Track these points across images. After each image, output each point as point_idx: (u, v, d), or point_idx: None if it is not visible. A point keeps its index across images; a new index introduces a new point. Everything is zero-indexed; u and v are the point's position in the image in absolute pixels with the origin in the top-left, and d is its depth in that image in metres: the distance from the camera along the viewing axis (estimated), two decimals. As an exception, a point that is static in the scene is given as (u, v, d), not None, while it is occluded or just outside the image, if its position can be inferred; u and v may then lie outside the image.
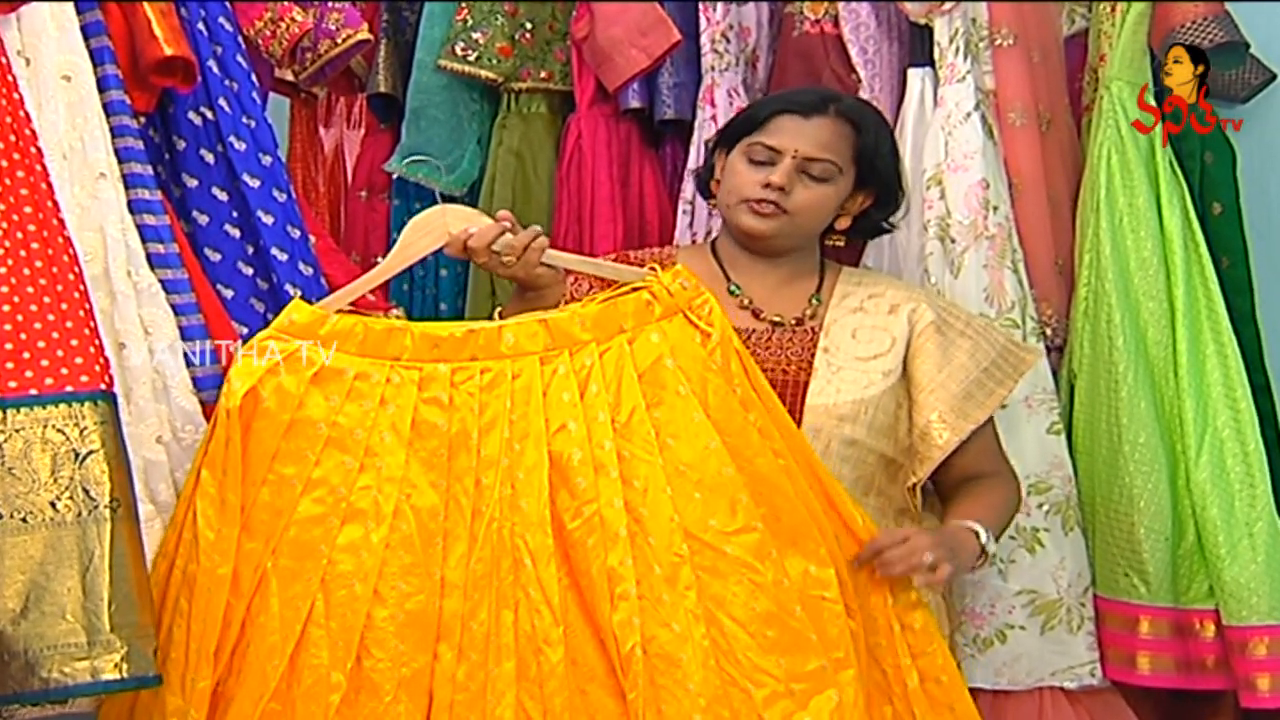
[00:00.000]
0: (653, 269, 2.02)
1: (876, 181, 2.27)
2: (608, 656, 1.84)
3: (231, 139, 2.16)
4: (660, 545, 1.86)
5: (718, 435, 1.91)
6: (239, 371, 1.91)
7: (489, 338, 1.95)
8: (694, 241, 2.57)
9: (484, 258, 2.03)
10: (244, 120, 2.18)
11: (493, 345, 1.94)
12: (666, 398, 1.93)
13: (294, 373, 1.92)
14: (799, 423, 2.13)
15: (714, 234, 2.45)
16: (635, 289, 1.99)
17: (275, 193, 2.18)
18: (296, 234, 2.19)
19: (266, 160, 2.19)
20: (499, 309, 2.10)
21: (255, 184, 2.17)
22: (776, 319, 2.25)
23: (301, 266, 2.18)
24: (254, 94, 2.20)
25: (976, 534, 2.10)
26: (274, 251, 2.16)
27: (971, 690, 2.36)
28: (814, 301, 2.27)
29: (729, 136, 2.28)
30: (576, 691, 1.84)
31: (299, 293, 2.15)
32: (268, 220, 2.17)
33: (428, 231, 2.05)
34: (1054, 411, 2.47)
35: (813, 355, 2.20)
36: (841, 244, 2.35)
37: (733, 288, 2.27)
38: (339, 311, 2.00)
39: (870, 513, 2.12)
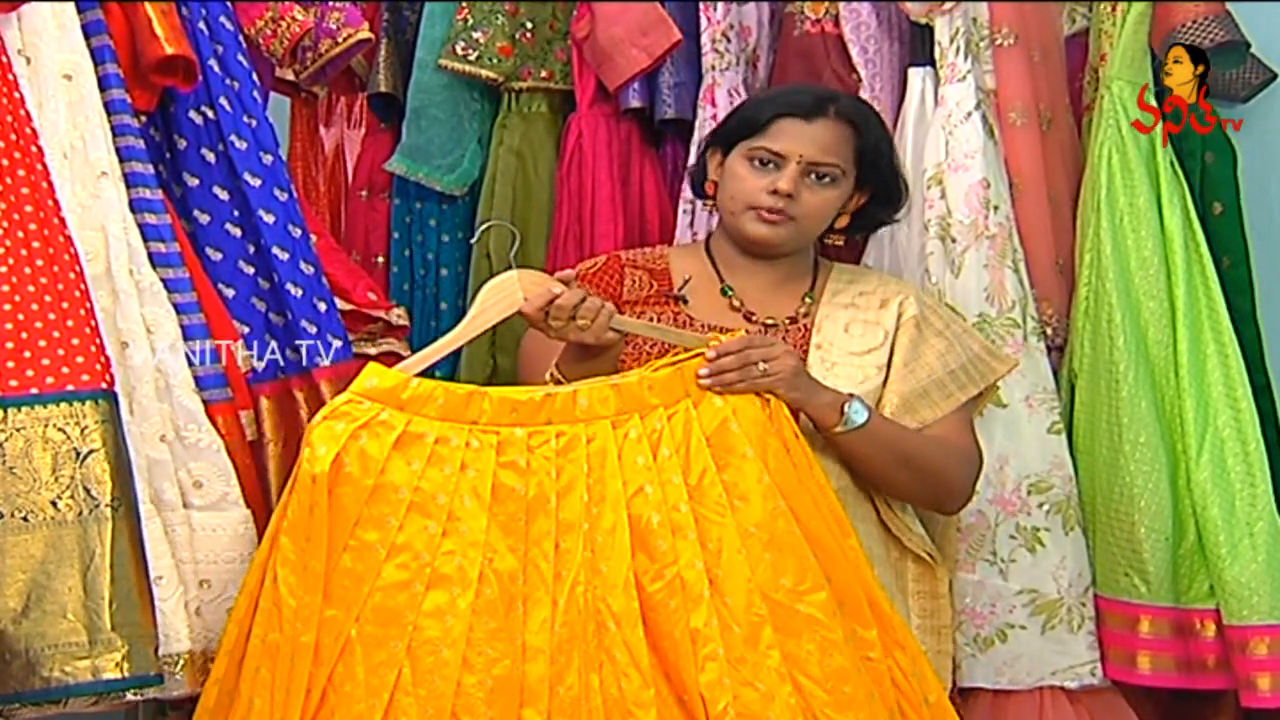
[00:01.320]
0: (716, 337, 2.03)
1: (876, 180, 2.26)
2: (694, 718, 1.85)
3: (232, 138, 2.16)
4: (738, 606, 1.87)
5: (781, 497, 1.94)
6: (322, 436, 1.89)
7: (564, 402, 1.95)
8: (694, 240, 2.57)
9: (561, 323, 2.01)
10: (245, 119, 2.18)
11: (568, 410, 1.94)
12: (733, 460, 1.94)
13: (375, 437, 1.90)
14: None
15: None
16: (699, 353, 2.00)
17: (276, 192, 2.18)
18: (298, 233, 2.18)
19: (267, 159, 2.19)
20: (551, 371, 2.09)
21: (256, 183, 2.16)
22: (769, 321, 2.24)
23: (303, 265, 2.18)
24: (255, 93, 2.20)
25: (845, 400, 2.08)
26: (275, 250, 2.16)
27: (972, 690, 2.38)
28: (807, 300, 2.26)
29: (725, 137, 2.25)
30: None
31: (301, 291, 2.15)
32: (269, 219, 2.17)
33: (502, 295, 2.03)
34: (1054, 411, 2.47)
35: (805, 353, 2.19)
36: (841, 243, 2.35)
37: (725, 289, 2.26)
38: (418, 374, 1.98)
39: (863, 514, 2.14)
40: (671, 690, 1.86)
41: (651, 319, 2.20)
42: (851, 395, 2.10)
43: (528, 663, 1.85)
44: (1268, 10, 2.67)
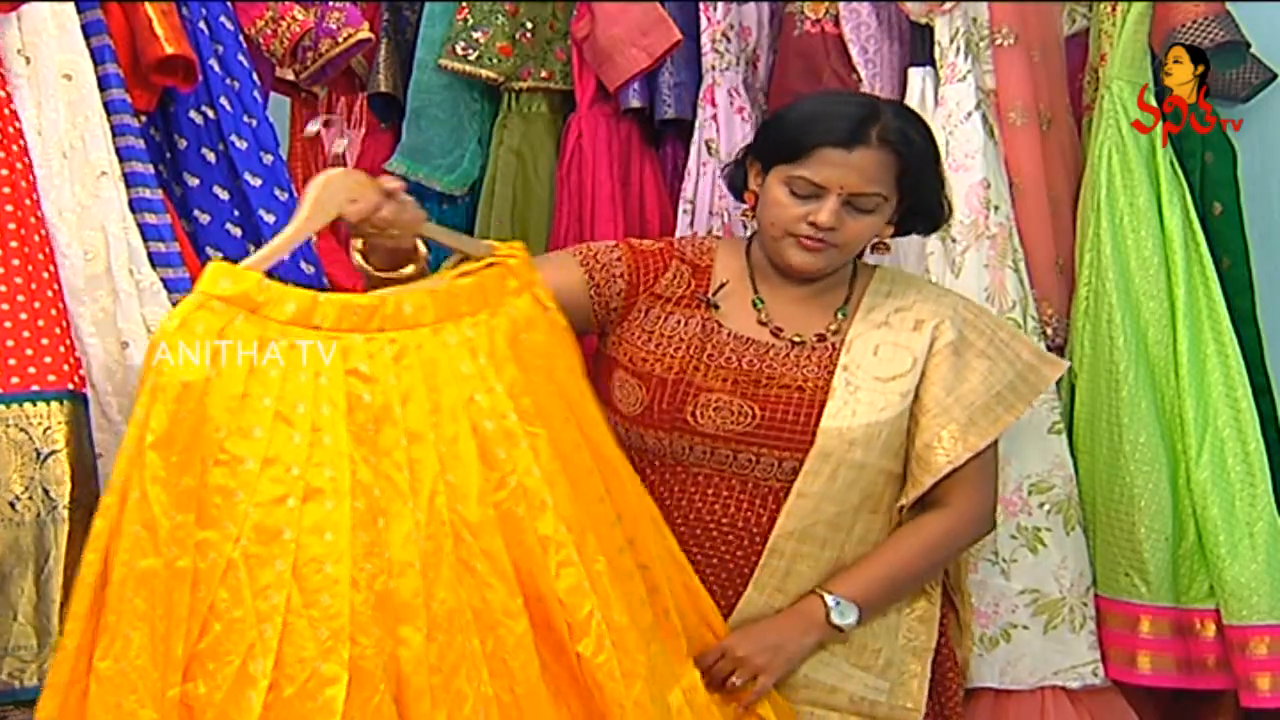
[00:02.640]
0: (495, 248, 1.98)
1: (919, 198, 2.18)
2: (555, 627, 1.81)
3: (233, 138, 2.16)
4: (569, 512, 1.85)
5: (571, 411, 1.93)
6: (182, 339, 1.70)
7: (394, 307, 1.83)
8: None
9: (377, 230, 1.90)
10: (245, 119, 2.17)
11: (398, 315, 1.83)
12: (528, 371, 1.91)
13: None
14: (811, 443, 2.10)
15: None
16: (492, 264, 1.95)
17: (277, 191, 2.18)
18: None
19: (268, 159, 2.19)
20: (357, 262, 2.00)
21: (257, 183, 2.16)
22: (796, 338, 2.17)
23: (303, 265, 2.18)
24: (255, 93, 2.20)
25: (825, 604, 2.09)
26: None
27: (976, 690, 2.38)
28: (839, 315, 2.20)
29: (764, 154, 2.17)
30: (542, 662, 1.81)
31: None
32: (269, 219, 2.16)
33: (333, 194, 1.88)
34: (1055, 411, 2.47)
35: (830, 372, 2.14)
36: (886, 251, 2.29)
37: (756, 300, 2.20)
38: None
39: (875, 530, 2.14)
40: (532, 598, 1.82)
41: (680, 321, 2.17)
42: (819, 597, 2.10)
43: (399, 578, 1.75)
44: (1268, 10, 2.67)
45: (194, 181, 2.16)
